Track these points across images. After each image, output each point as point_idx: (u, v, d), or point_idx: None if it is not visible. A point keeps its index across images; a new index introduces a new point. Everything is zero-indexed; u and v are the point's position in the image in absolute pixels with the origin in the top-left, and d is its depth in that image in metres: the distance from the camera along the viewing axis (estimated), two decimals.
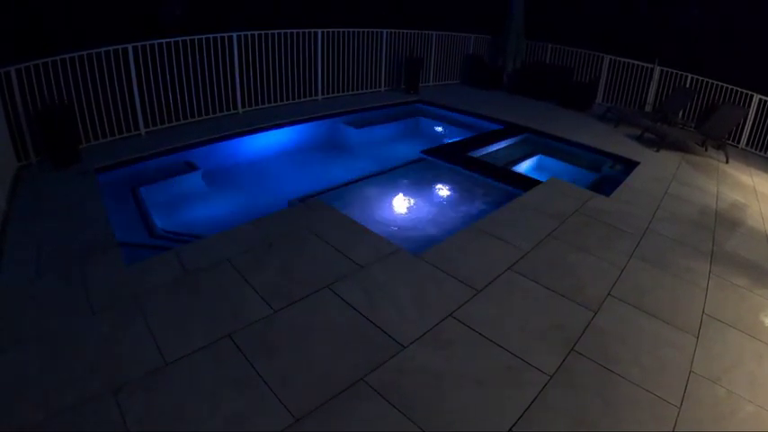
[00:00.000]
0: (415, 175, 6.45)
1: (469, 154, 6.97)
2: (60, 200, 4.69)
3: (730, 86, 9.39)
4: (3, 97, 5.12)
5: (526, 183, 5.94)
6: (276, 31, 7.94)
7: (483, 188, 6.12)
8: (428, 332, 3.11)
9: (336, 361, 2.81)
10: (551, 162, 7.75)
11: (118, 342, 2.81)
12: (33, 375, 2.54)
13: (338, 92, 9.50)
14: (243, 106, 7.93)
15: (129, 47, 6.17)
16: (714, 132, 8.19)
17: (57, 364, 2.63)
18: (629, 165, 7.12)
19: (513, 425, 2.48)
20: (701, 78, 9.80)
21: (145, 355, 2.72)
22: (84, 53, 5.78)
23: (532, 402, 2.62)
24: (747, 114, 9.01)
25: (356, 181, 5.94)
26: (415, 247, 4.28)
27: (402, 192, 5.94)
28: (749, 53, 10.83)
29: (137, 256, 3.85)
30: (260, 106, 8.17)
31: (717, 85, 9.59)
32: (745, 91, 9.19)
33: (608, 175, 7.01)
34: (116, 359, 2.68)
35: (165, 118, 6.87)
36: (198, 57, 6.98)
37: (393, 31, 10.09)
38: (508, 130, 8.49)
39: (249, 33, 7.59)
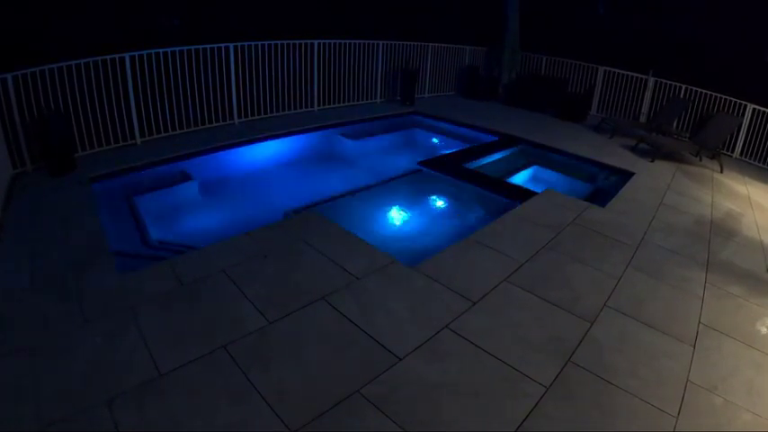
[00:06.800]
0: (410, 186, 6.46)
1: (465, 165, 6.98)
2: (55, 208, 4.67)
3: (724, 96, 9.47)
4: None
5: (522, 194, 5.94)
6: (272, 42, 7.97)
7: (479, 199, 6.13)
8: (424, 344, 3.10)
9: (332, 373, 2.79)
10: (547, 173, 7.79)
11: (111, 353, 2.78)
12: (26, 386, 2.51)
13: (334, 103, 9.53)
14: (239, 117, 7.94)
15: (126, 56, 6.18)
16: (708, 142, 8.24)
17: (50, 374, 2.60)
18: (625, 175, 7.15)
19: None
20: (694, 89, 9.88)
21: (139, 366, 2.70)
22: (82, 62, 5.79)
23: (529, 414, 2.61)
24: (741, 124, 9.08)
25: (352, 192, 5.93)
26: (411, 259, 4.27)
27: (398, 203, 5.95)
28: (742, 63, 10.95)
29: (131, 266, 3.83)
30: (256, 117, 8.18)
31: (711, 95, 9.67)
32: (738, 101, 9.26)
33: (603, 185, 7.03)
34: (110, 370, 2.65)
35: (162, 127, 6.87)
36: (195, 67, 6.99)
37: (389, 42, 10.15)
38: (504, 142, 8.52)
39: (246, 44, 7.62)
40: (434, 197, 6.32)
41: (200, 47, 7.01)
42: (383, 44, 10.03)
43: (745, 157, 9.41)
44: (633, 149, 8.54)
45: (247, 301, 3.38)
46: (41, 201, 4.83)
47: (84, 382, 2.56)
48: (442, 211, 6.07)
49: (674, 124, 9.91)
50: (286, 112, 8.64)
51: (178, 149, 6.44)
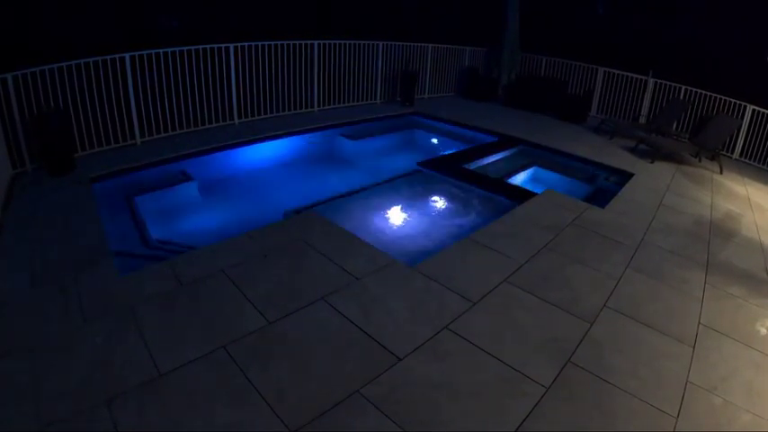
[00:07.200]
0: (410, 186, 6.45)
1: (465, 166, 6.99)
2: (55, 208, 4.67)
3: (724, 97, 9.47)
4: None
5: (521, 194, 5.95)
6: (272, 43, 7.98)
7: (478, 200, 6.13)
8: (424, 344, 3.10)
9: (332, 373, 2.79)
10: (546, 174, 7.78)
11: (111, 353, 2.78)
12: (26, 386, 2.52)
13: (334, 104, 9.53)
14: (239, 117, 7.94)
15: (127, 56, 6.18)
16: (708, 143, 8.25)
17: (49, 374, 2.60)
18: (624, 176, 7.15)
19: None
20: (694, 90, 9.88)
21: (139, 365, 2.70)
22: (82, 62, 5.79)
23: (529, 414, 2.61)
24: (741, 125, 9.08)
25: (352, 193, 5.94)
26: (411, 259, 4.27)
27: (398, 203, 5.94)
28: (742, 64, 10.95)
29: (131, 266, 3.83)
30: (256, 117, 8.18)
31: (711, 96, 9.67)
32: (738, 102, 9.26)
33: (603, 186, 7.03)
34: (109, 370, 2.65)
35: (162, 128, 6.87)
36: (195, 67, 6.99)
37: (388, 43, 10.15)
38: (503, 142, 8.52)
39: (246, 44, 7.62)
40: (434, 198, 6.32)
41: (201, 47, 7.01)
42: (383, 45, 10.03)
43: (745, 158, 9.41)
44: (633, 150, 8.55)
45: (247, 301, 3.38)
46: (41, 201, 4.83)
47: (84, 382, 2.56)
48: (441, 212, 6.06)
49: (674, 125, 9.91)
50: (286, 112, 8.65)
51: (178, 150, 6.44)
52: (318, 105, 9.23)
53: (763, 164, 9.19)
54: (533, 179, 7.81)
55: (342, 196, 5.78)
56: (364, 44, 9.64)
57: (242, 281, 3.61)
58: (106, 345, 2.85)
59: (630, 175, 7.12)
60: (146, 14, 10.65)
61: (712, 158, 8.58)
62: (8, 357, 2.72)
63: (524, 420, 2.56)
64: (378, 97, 10.43)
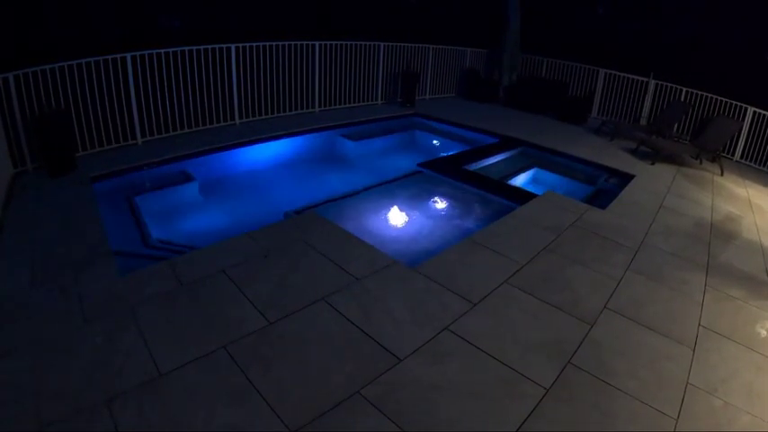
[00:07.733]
0: (411, 187, 6.45)
1: (465, 167, 6.99)
2: (56, 208, 4.67)
3: (725, 99, 9.47)
4: (0, 103, 5.14)
5: (522, 196, 5.95)
6: (274, 43, 7.98)
7: (479, 201, 6.13)
8: (424, 345, 3.10)
9: (332, 373, 2.79)
10: (547, 175, 7.78)
11: (111, 353, 2.78)
12: (26, 385, 2.51)
13: (335, 104, 9.54)
14: (240, 117, 7.94)
15: (128, 56, 6.19)
16: (709, 145, 8.25)
17: (50, 374, 2.60)
18: (625, 178, 7.15)
19: None
20: (695, 92, 9.88)
21: (139, 365, 2.69)
22: (83, 61, 5.80)
23: (529, 415, 2.60)
24: (742, 127, 9.08)
25: (352, 193, 5.95)
26: (411, 260, 4.27)
27: (398, 204, 5.94)
28: (743, 64, 10.95)
29: (131, 266, 3.83)
30: (257, 117, 8.19)
31: (711, 98, 9.66)
32: (739, 104, 9.26)
33: (604, 188, 7.03)
34: (110, 370, 2.65)
35: (163, 128, 6.87)
36: (196, 67, 6.99)
37: (390, 44, 10.15)
38: (504, 144, 8.52)
39: (247, 45, 7.63)
40: (434, 198, 6.32)
41: (202, 47, 7.02)
42: (384, 45, 10.03)
43: (746, 160, 9.40)
44: (633, 152, 8.54)
45: (247, 301, 3.38)
46: (42, 200, 4.84)
47: (84, 382, 2.55)
48: (441, 213, 6.06)
49: (675, 127, 9.89)
50: (287, 113, 8.65)
51: (179, 150, 6.45)
52: (319, 106, 9.24)
53: (764, 166, 9.18)
54: (534, 180, 7.81)
55: (342, 197, 5.79)
56: (365, 45, 9.65)
57: (242, 281, 3.61)
58: (106, 345, 2.85)
59: (631, 177, 7.12)
60: (146, 14, 10.66)
61: (713, 160, 8.59)
62: (9, 357, 2.72)
63: (524, 421, 2.56)
64: (378, 98, 10.43)
